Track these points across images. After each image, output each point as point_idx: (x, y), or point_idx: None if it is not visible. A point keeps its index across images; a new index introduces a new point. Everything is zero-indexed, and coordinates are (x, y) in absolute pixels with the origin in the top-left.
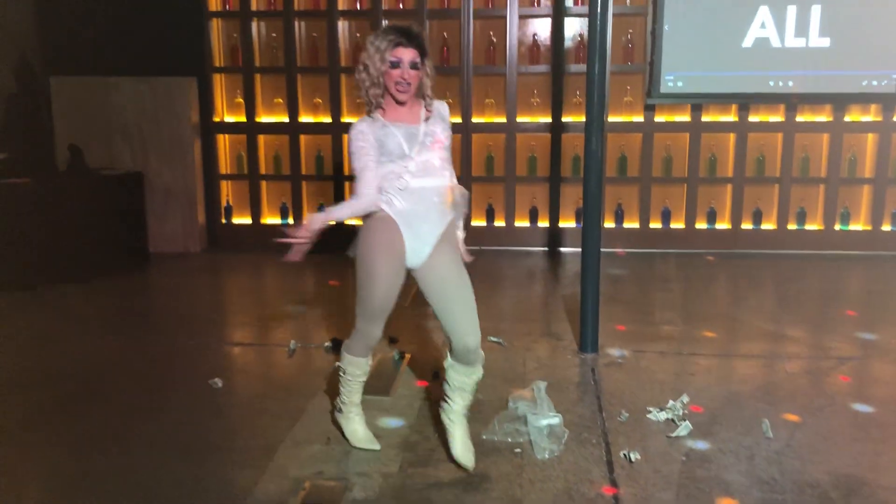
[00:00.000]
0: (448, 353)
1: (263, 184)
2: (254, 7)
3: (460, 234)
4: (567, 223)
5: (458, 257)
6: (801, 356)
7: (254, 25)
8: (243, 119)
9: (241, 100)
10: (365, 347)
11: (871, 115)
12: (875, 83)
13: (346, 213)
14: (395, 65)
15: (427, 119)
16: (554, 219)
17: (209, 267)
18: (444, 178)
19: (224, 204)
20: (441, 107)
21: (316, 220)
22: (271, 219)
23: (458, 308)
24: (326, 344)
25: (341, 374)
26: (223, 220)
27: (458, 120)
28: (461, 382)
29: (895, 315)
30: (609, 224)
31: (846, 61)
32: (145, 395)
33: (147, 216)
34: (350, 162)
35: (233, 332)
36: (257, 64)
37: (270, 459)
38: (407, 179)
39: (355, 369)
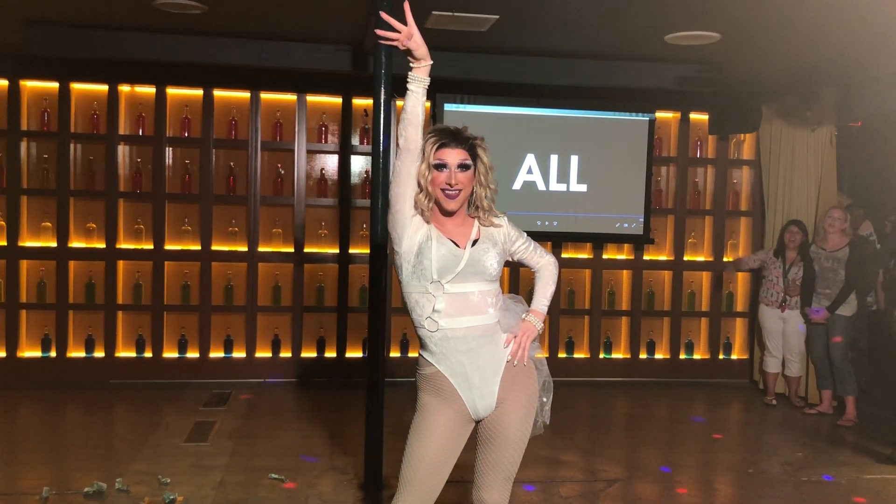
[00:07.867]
0: None
1: (23, 313)
2: (24, 126)
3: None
4: (354, 353)
5: (530, 410)
6: (574, 480)
7: (23, 145)
8: (4, 243)
9: (2, 222)
10: None
11: (624, 254)
12: (626, 225)
13: (410, 103)
14: (441, 167)
15: (476, 242)
16: (341, 349)
17: None
18: (486, 316)
19: None
20: (497, 224)
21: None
22: (30, 352)
23: (493, 458)
24: (87, 489)
25: None
26: None
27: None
28: None
29: (655, 438)
30: (395, 353)
31: (601, 205)
32: None
33: None
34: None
35: None
36: (24, 185)
37: None
38: (435, 320)
39: None
